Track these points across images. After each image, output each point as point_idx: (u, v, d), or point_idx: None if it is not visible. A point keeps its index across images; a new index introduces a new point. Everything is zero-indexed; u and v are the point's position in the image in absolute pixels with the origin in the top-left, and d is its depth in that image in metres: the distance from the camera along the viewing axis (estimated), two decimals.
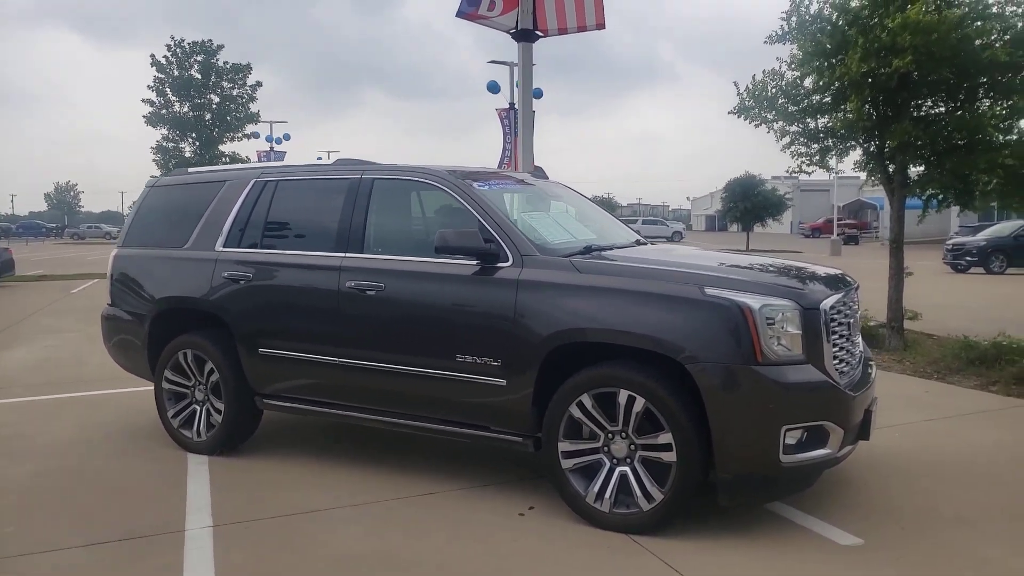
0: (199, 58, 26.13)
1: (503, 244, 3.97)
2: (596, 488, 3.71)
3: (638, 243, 4.84)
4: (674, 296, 3.58)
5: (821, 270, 4.25)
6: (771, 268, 4.13)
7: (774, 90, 8.94)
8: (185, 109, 26.61)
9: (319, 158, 64.56)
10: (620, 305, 3.67)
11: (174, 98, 26.39)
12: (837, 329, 3.70)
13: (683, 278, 3.66)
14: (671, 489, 3.53)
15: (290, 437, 5.38)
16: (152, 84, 25.92)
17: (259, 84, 27.45)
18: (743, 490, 3.53)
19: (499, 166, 29.69)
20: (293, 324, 4.63)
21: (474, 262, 4.01)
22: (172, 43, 26.07)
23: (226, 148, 27.19)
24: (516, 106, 28.58)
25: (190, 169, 5.57)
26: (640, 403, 3.56)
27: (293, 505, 4.09)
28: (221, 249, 4.97)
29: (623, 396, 3.60)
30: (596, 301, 3.73)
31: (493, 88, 28.70)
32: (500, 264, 3.95)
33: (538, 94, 29.37)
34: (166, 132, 26.54)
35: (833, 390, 3.51)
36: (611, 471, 3.71)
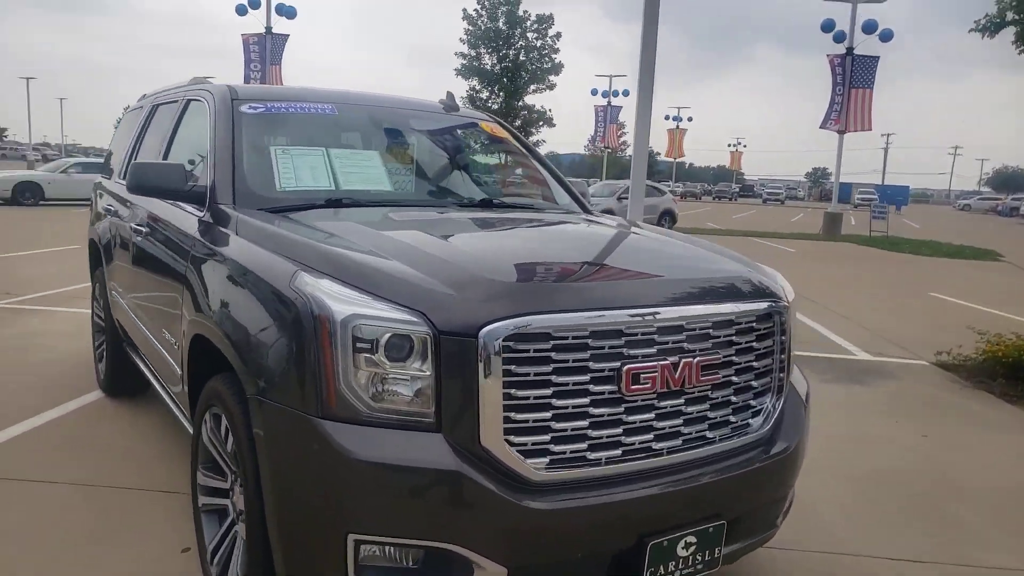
0: (504, 8, 27.07)
1: (208, 187, 3.02)
2: (212, 543, 2.66)
3: (489, 203, 3.36)
4: (264, 283, 2.32)
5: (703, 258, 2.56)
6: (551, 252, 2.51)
7: None
8: (493, 61, 27.96)
9: (669, 117, 63.60)
10: (229, 289, 2.54)
11: (483, 50, 27.87)
12: (577, 376, 2.05)
13: (298, 252, 2.34)
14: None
15: None
16: (464, 37, 27.67)
17: (559, 35, 27.66)
18: None
19: (825, 122, 26.12)
20: (114, 265, 4.27)
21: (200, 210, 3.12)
22: None
23: (531, 100, 28.07)
24: (854, 51, 24.74)
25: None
26: (231, 439, 2.41)
27: (31, 472, 3.73)
28: (116, 180, 4.77)
29: (224, 423, 2.48)
30: (223, 280, 2.62)
31: (827, 27, 25.11)
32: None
33: (886, 36, 25.05)
34: (475, 84, 28.25)
35: (478, 491, 1.96)
36: (231, 525, 2.62)
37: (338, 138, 3.52)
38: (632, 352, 2.14)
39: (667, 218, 25.21)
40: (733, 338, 2.37)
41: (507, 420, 2.00)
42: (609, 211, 23.70)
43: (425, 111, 3.90)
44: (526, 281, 2.16)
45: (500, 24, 27.35)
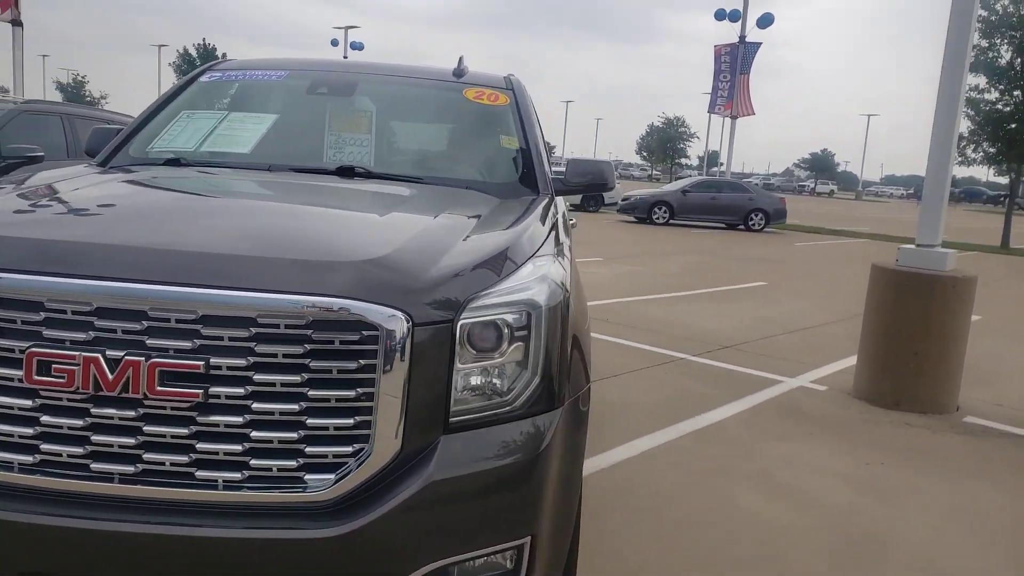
0: None
1: None
2: None
3: (348, 172, 2.90)
4: None
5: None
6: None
7: None
8: (1011, 54, 22.94)
9: None
10: None
11: (998, 40, 23.03)
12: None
13: None
14: None
15: None
16: (977, 25, 23.13)
17: None
18: None
19: None
20: None
21: None
22: None
23: None
24: None
25: None
26: None
27: None
28: None
29: None
30: None
31: None
32: None
33: None
34: (980, 83, 23.55)
35: None
36: None
37: (267, 103, 3.45)
38: (52, 334, 1.69)
39: None
40: (252, 345, 1.68)
41: None
42: None
43: (401, 76, 3.57)
44: None
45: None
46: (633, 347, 6.78)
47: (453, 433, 1.81)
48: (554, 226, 2.64)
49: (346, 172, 2.92)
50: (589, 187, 3.27)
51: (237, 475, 1.71)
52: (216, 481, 1.71)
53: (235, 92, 3.50)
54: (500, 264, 2.01)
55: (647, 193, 24.55)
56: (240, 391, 1.69)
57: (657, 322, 7.94)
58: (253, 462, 1.71)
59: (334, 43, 43.25)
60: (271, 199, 2.61)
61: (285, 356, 1.69)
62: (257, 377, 1.69)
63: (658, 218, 23.31)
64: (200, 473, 1.71)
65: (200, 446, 1.70)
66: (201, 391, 1.67)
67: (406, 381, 1.73)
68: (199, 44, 65.19)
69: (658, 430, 4.63)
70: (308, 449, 1.72)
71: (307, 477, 1.73)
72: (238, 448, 1.71)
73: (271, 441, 1.71)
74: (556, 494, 1.98)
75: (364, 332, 1.70)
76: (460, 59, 3.63)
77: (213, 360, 1.67)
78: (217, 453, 1.71)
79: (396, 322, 1.71)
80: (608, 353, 6.48)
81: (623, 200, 24.40)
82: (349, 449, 1.73)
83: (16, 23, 15.60)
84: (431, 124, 3.49)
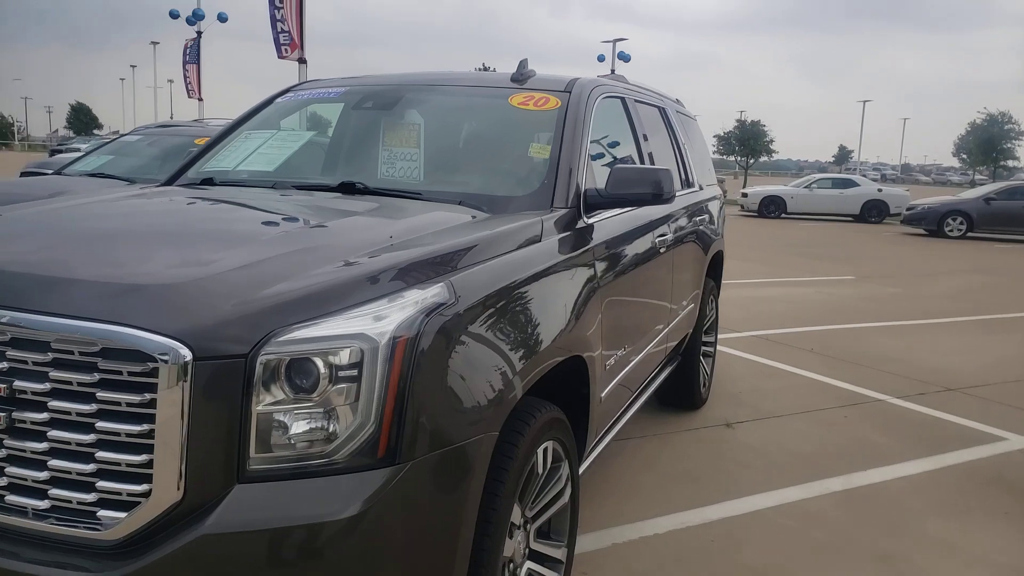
0: None
1: None
2: None
3: (350, 188, 2.76)
4: None
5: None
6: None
7: None
8: None
9: None
10: None
11: None
12: None
13: None
14: None
15: None
16: None
17: None
18: None
19: None
20: None
21: None
22: None
23: None
24: None
25: None
26: None
27: None
28: None
29: None
30: None
31: None
32: None
33: None
34: None
35: None
36: None
37: (315, 121, 3.48)
38: None
39: None
40: (49, 371, 1.66)
41: None
42: None
43: (452, 86, 3.41)
44: None
45: None
46: (823, 383, 5.91)
47: (251, 483, 1.63)
48: (520, 246, 2.32)
49: (347, 188, 2.84)
50: (635, 199, 2.84)
51: (43, 504, 1.68)
52: (27, 509, 1.70)
53: (296, 111, 3.60)
54: (357, 289, 1.79)
55: (938, 201, 21.58)
56: (41, 417, 1.67)
57: (875, 355, 6.86)
58: (53, 492, 1.68)
59: (600, 59, 43.49)
60: (175, 219, 2.57)
61: (79, 384, 1.64)
62: (53, 404, 1.65)
63: (952, 231, 20.37)
64: (10, 498, 1.71)
65: (9, 470, 1.70)
66: (5, 414, 1.67)
67: (187, 419, 1.58)
68: (478, 67, 69.94)
69: (792, 486, 3.95)
70: (100, 484, 1.65)
71: (100, 513, 1.65)
72: (41, 476, 1.68)
73: (69, 472, 1.66)
74: (403, 567, 1.71)
75: (149, 364, 1.59)
76: (521, 63, 3.38)
77: (17, 383, 1.67)
78: (26, 479, 1.70)
79: (173, 354, 1.57)
80: (787, 389, 5.71)
81: (908, 209, 21.74)
82: (139, 488, 1.62)
83: (301, 60, 17.78)
84: (463, 134, 3.30)
